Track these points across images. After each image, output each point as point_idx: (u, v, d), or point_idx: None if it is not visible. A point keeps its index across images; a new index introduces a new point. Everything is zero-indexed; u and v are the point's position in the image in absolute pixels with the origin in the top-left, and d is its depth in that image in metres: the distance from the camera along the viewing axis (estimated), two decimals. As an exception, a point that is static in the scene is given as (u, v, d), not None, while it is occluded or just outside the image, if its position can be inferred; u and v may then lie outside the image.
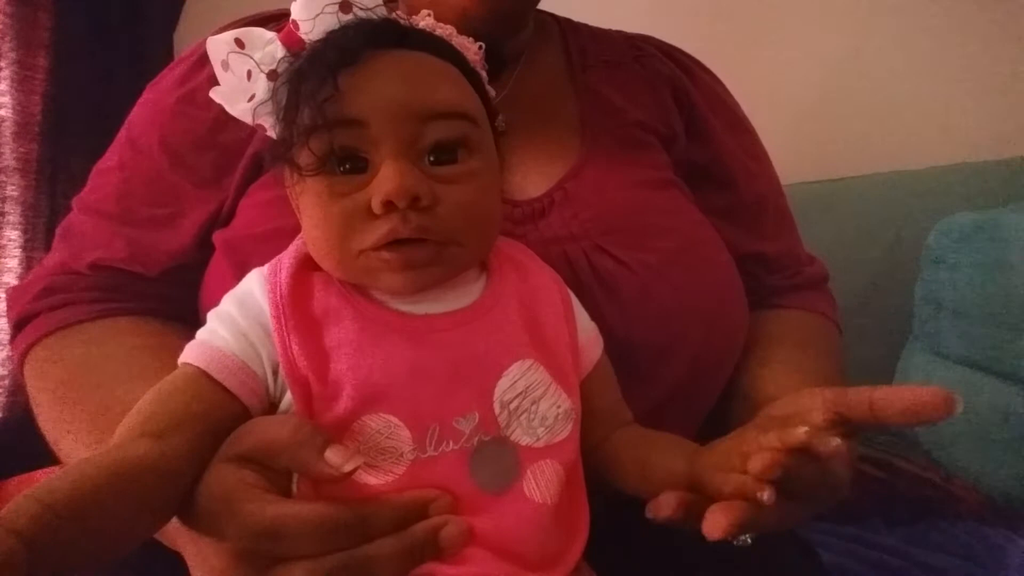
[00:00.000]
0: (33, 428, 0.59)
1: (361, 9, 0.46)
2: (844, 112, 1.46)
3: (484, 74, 0.52)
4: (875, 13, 1.44)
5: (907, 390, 0.38)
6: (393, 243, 0.43)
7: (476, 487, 0.42)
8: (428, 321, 0.45)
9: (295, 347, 0.42)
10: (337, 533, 0.38)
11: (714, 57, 0.81)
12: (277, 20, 0.64)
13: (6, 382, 1.15)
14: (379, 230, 0.42)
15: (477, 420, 0.43)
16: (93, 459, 0.37)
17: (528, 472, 0.44)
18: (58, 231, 0.67)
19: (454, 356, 0.44)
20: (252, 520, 0.38)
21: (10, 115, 1.14)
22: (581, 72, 0.72)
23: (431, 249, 0.44)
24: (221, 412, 0.42)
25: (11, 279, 1.15)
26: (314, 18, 0.46)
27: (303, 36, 0.46)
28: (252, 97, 0.48)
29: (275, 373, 0.44)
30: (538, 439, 0.45)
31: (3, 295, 0.99)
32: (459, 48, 0.50)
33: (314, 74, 0.44)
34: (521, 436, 0.44)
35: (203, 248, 0.61)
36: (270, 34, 0.47)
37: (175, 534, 0.42)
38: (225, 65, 0.48)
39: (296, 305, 0.44)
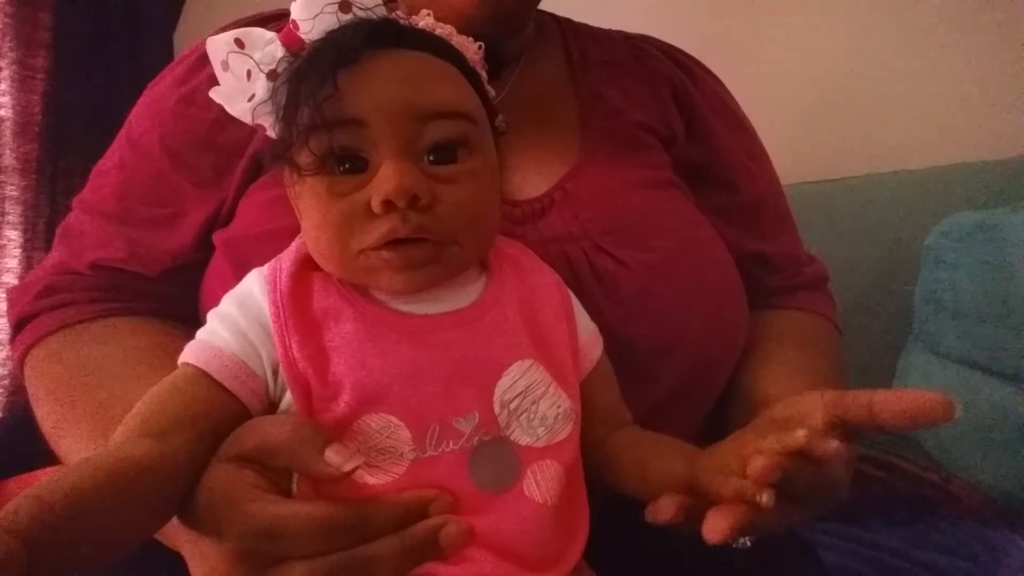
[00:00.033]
0: (33, 428, 0.59)
1: (361, 9, 0.46)
2: (844, 112, 1.46)
3: (484, 74, 0.52)
4: (875, 13, 1.44)
5: (906, 394, 0.38)
6: (393, 243, 0.43)
7: (476, 487, 0.42)
8: (428, 321, 0.45)
9: (295, 347, 0.42)
10: (337, 533, 0.38)
11: (714, 57, 0.81)
12: (277, 20, 0.64)
13: (6, 382, 1.15)
14: (379, 230, 0.42)
15: (477, 420, 0.43)
16: (93, 459, 0.37)
17: (528, 472, 0.44)
18: (58, 231, 0.67)
19: (454, 356, 0.44)
20: (252, 520, 0.38)
21: (10, 115, 1.14)
22: (581, 72, 0.72)
23: (430, 249, 0.44)
24: (221, 412, 0.42)
25: (11, 279, 1.15)
26: (314, 18, 0.46)
27: (303, 36, 0.46)
28: (252, 97, 0.48)
29: (275, 373, 0.44)
30: (538, 439, 0.45)
31: (3, 295, 0.99)
32: (459, 48, 0.50)
33: (314, 74, 0.44)
34: (521, 436, 0.44)
35: (203, 248, 0.61)
36: (270, 34, 0.47)
37: (175, 534, 0.42)
38: (225, 65, 0.48)
39: (296, 305, 0.44)
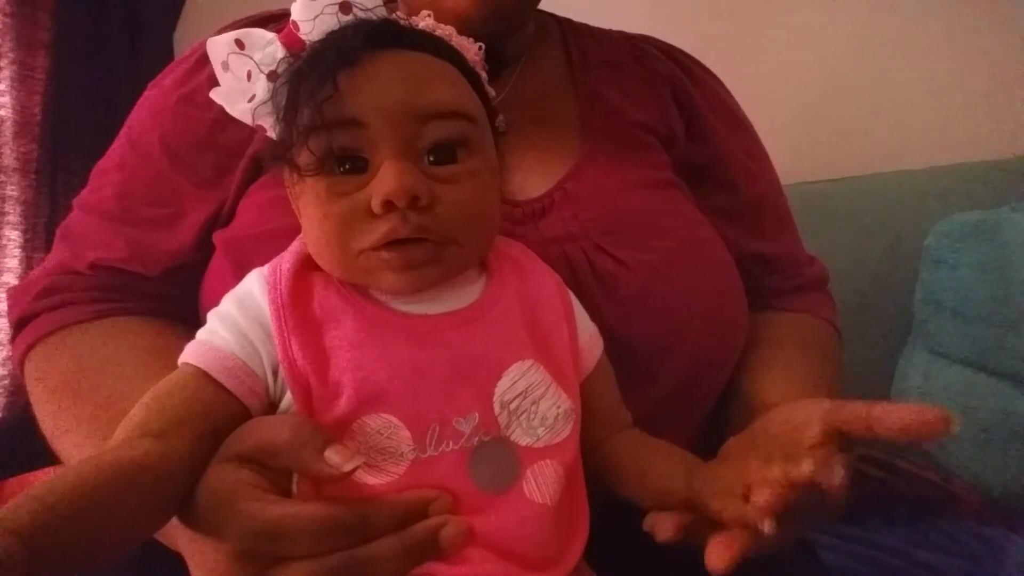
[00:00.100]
0: (33, 428, 0.59)
1: (361, 10, 0.46)
2: (844, 112, 1.46)
3: (484, 74, 0.52)
4: (875, 13, 1.44)
5: (905, 408, 0.39)
6: (393, 243, 0.43)
7: (476, 487, 0.42)
8: (428, 321, 0.45)
9: (295, 347, 0.42)
10: (337, 533, 0.38)
11: (714, 57, 0.81)
12: (277, 21, 0.64)
13: (6, 382, 1.14)
14: (379, 230, 0.42)
15: (477, 420, 0.43)
16: (93, 459, 0.37)
17: (528, 472, 0.44)
18: (58, 231, 0.67)
19: (454, 356, 0.44)
20: (252, 520, 0.38)
21: (10, 115, 1.14)
22: (581, 72, 0.72)
23: (430, 249, 0.44)
24: (221, 412, 0.42)
25: (11, 279, 1.15)
26: (314, 19, 0.46)
27: (303, 37, 0.46)
28: (252, 98, 0.48)
29: (275, 373, 0.44)
30: (538, 439, 0.45)
31: (3, 295, 0.99)
32: (459, 48, 0.50)
33: (314, 74, 0.44)
34: (521, 436, 0.44)
35: (203, 248, 0.61)
36: (270, 35, 0.47)
37: (175, 534, 0.42)
38: (225, 66, 0.48)
39: (296, 305, 0.44)
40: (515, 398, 0.44)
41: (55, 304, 0.62)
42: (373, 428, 0.41)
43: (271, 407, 0.44)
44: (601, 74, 0.72)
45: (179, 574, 0.42)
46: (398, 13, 0.51)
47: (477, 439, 0.43)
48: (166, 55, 1.32)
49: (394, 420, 0.42)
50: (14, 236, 1.16)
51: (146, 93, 0.69)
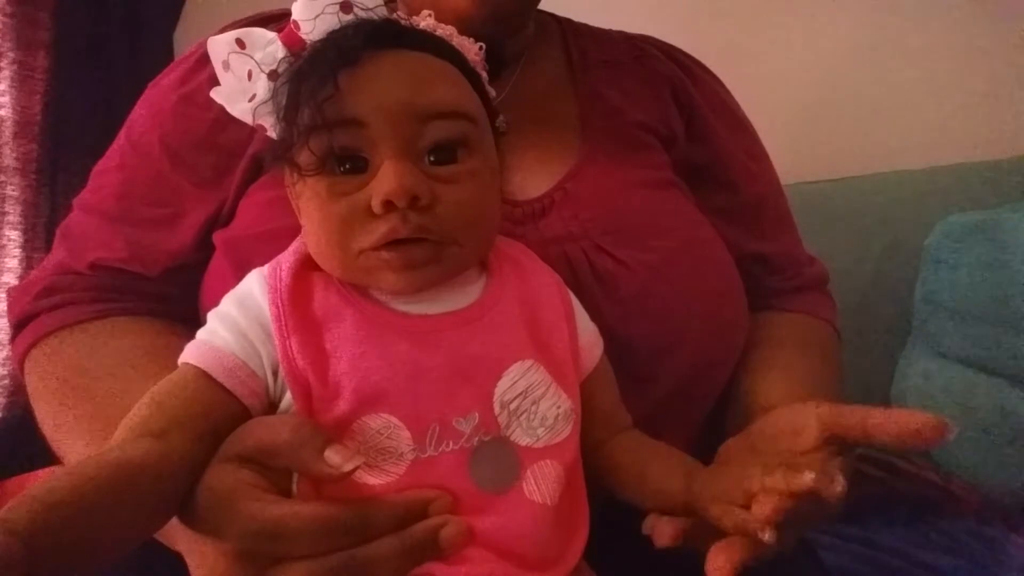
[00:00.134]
0: (33, 428, 0.59)
1: (362, 9, 0.46)
2: (844, 112, 1.46)
3: (484, 74, 0.52)
4: (875, 13, 1.43)
5: (902, 415, 0.39)
6: (393, 243, 0.43)
7: (476, 487, 0.42)
8: (428, 321, 0.45)
9: (295, 347, 0.42)
10: (337, 533, 0.38)
11: (714, 57, 0.81)
12: (278, 20, 0.64)
13: (6, 382, 1.14)
14: (379, 230, 0.42)
15: (477, 420, 0.43)
16: (93, 459, 0.37)
17: (528, 472, 0.44)
18: (58, 231, 0.67)
19: (454, 356, 0.44)
20: (252, 520, 0.38)
21: (10, 115, 1.14)
22: (581, 72, 0.72)
23: (430, 249, 0.44)
24: (221, 412, 0.42)
25: (11, 279, 1.15)
26: (315, 18, 0.46)
27: (304, 36, 0.46)
28: (253, 97, 0.48)
29: (275, 373, 0.44)
30: (538, 439, 0.45)
31: (3, 295, 0.99)
32: (459, 48, 0.50)
33: (314, 74, 0.44)
34: (521, 436, 0.44)
35: (203, 248, 0.61)
36: (271, 34, 0.47)
37: (175, 534, 0.42)
38: (226, 65, 0.48)
39: (296, 305, 0.44)
40: (515, 398, 0.44)
41: (55, 304, 0.62)
42: (373, 428, 0.41)
43: (271, 407, 0.44)
44: (601, 74, 0.72)
45: (179, 574, 0.42)
46: (399, 13, 0.51)
47: (477, 439, 0.43)
48: (166, 55, 1.32)
49: (394, 420, 0.42)
50: (14, 236, 1.16)
51: (146, 93, 0.69)
